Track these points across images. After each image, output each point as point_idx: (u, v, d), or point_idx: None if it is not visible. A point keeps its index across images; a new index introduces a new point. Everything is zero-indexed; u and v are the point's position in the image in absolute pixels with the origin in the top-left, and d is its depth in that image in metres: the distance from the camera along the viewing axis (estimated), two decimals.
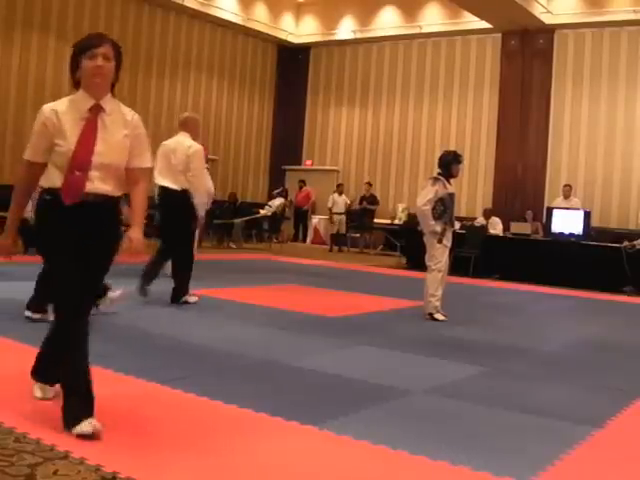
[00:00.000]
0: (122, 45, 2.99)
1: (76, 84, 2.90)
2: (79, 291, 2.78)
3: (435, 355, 4.87)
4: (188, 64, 17.08)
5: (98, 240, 2.86)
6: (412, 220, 12.71)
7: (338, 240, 16.39)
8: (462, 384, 4.10)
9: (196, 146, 6.27)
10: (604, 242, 11.10)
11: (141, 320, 5.42)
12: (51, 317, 3.97)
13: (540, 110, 15.40)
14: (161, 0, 15.94)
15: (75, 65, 2.86)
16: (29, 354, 3.20)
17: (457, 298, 7.68)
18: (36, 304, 4.85)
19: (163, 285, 6.31)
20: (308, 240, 18.04)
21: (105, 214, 2.88)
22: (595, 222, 13.11)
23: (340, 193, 16.95)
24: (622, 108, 14.73)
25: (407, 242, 12.81)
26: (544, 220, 12.50)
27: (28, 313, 4.90)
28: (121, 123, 2.92)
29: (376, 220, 16.28)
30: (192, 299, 6.33)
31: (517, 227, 12.38)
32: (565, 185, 13.05)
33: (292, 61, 19.17)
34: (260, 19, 18.05)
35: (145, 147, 3.01)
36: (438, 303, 6.50)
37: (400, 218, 15.92)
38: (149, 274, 6.23)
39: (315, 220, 18.15)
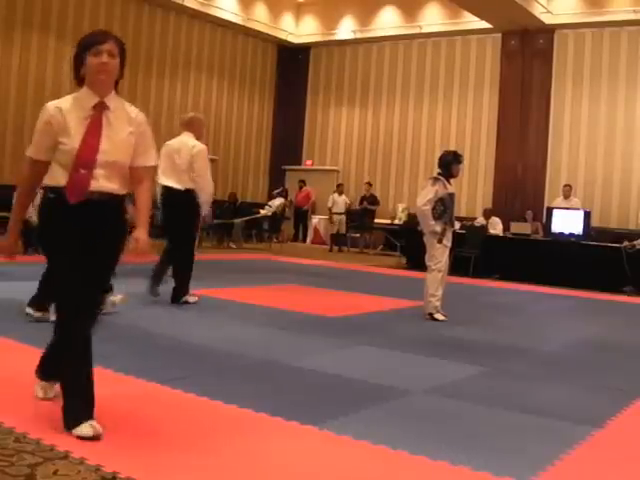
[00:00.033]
0: None
1: (80, 81, 2.86)
2: (81, 291, 2.75)
3: (435, 355, 4.87)
4: (188, 64, 17.08)
5: (103, 239, 2.83)
6: (412, 220, 12.71)
7: (338, 240, 16.38)
8: (462, 384, 4.10)
9: (200, 146, 6.29)
10: (604, 242, 11.10)
11: (141, 320, 5.42)
12: (52, 317, 3.98)
13: (540, 110, 15.40)
14: (161, 0, 15.94)
15: (79, 62, 2.83)
16: (29, 354, 3.21)
17: (457, 298, 7.68)
18: (38, 302, 4.86)
19: (163, 285, 6.32)
20: (308, 240, 18.04)
21: (110, 212, 2.85)
22: (595, 222, 13.11)
23: (340, 193, 16.95)
24: (622, 108, 14.74)
25: (407, 242, 12.81)
26: (544, 220, 12.50)
27: (29, 310, 4.91)
28: (125, 120, 2.89)
29: (376, 220, 16.28)
30: (192, 299, 6.34)
31: (517, 227, 12.38)
32: (565, 185, 13.04)
33: (292, 61, 19.18)
34: (260, 19, 18.05)
35: (149, 145, 2.99)
36: (438, 303, 6.50)
37: (400, 218, 15.92)
38: (158, 275, 6.26)
39: (315, 220, 18.16)
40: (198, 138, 6.37)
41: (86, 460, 2.45)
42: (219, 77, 17.92)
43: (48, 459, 2.44)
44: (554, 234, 11.48)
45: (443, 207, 6.47)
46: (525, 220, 13.21)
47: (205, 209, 6.38)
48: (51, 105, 2.82)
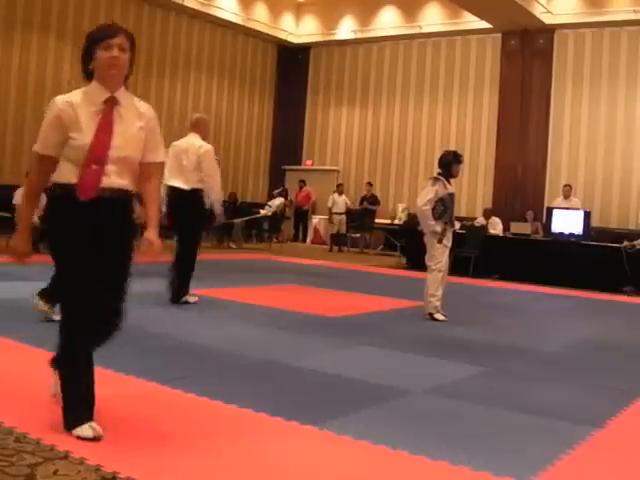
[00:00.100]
0: None
1: (88, 76, 2.81)
2: (88, 291, 2.69)
3: (435, 355, 4.87)
4: (188, 64, 17.08)
5: (112, 236, 2.75)
6: (412, 220, 12.71)
7: (338, 240, 16.38)
8: (462, 384, 4.10)
9: (206, 146, 6.33)
10: (604, 242, 11.10)
11: (141, 320, 5.40)
12: (56, 316, 3.97)
13: (540, 110, 15.40)
14: (161, 0, 15.95)
15: (88, 56, 2.77)
16: (29, 354, 3.21)
17: (457, 298, 7.68)
18: (48, 296, 4.77)
19: (163, 285, 6.31)
20: (308, 240, 18.04)
21: (119, 209, 2.78)
22: (595, 222, 13.11)
23: (340, 193, 16.95)
24: (622, 108, 14.74)
25: (407, 242, 12.82)
26: (544, 220, 12.50)
27: (37, 300, 4.77)
28: (136, 116, 2.85)
29: (376, 220, 16.28)
30: (192, 299, 6.34)
31: (517, 227, 12.39)
32: (565, 185, 13.04)
33: (292, 61, 19.18)
34: (260, 19, 18.06)
35: (159, 141, 2.94)
36: (438, 303, 6.50)
37: (400, 218, 15.92)
38: (173, 282, 6.23)
39: (315, 220, 18.15)
40: (204, 138, 6.42)
41: (86, 460, 2.45)
42: (219, 77, 17.93)
43: (48, 459, 2.43)
44: (554, 234, 11.48)
45: (443, 207, 6.47)
46: (525, 220, 13.21)
47: (217, 208, 6.46)
48: (60, 99, 2.75)
